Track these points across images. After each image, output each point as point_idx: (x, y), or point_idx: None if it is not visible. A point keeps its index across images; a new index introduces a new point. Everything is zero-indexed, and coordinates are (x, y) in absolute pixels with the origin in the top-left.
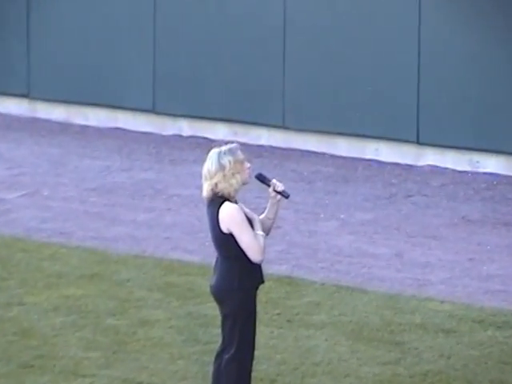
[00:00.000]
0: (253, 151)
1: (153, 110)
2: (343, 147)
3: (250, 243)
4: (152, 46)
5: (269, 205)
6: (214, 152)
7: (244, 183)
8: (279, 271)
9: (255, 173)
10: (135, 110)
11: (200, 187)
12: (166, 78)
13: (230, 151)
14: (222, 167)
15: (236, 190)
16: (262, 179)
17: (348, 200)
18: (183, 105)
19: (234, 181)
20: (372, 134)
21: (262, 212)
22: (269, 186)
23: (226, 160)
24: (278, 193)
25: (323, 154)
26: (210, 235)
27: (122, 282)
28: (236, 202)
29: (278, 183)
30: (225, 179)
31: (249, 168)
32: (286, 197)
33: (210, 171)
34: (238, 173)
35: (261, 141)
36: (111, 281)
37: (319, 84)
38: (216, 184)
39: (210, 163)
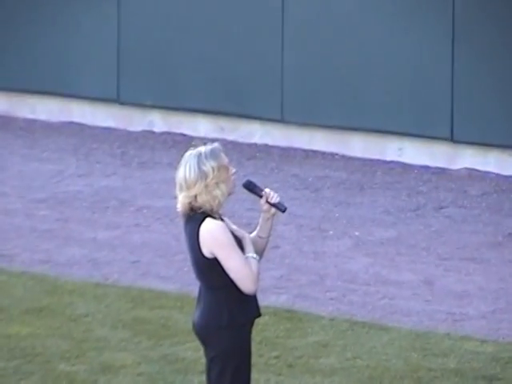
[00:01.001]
0: (243, 152)
1: (117, 100)
2: (358, 146)
3: (240, 270)
4: (116, 21)
5: (261, 220)
6: (191, 155)
7: (229, 194)
8: (277, 303)
9: (243, 180)
10: (95, 100)
11: (176, 197)
12: (133, 60)
13: (213, 154)
14: (203, 175)
15: (220, 204)
16: (252, 188)
17: (364, 213)
18: (155, 93)
19: (218, 192)
20: (394, 129)
21: (255, 229)
22: (260, 196)
23: (209, 166)
24: (272, 205)
25: (332, 154)
26: (189, 258)
27: (78, 318)
28: (221, 218)
29: (271, 193)
30: (207, 191)
31: (234, 174)
32: (283, 210)
33: (188, 180)
34: (223, 182)
35: (254, 138)
36: (65, 316)
37: (326, 67)
38: (195, 197)
39: (188, 170)
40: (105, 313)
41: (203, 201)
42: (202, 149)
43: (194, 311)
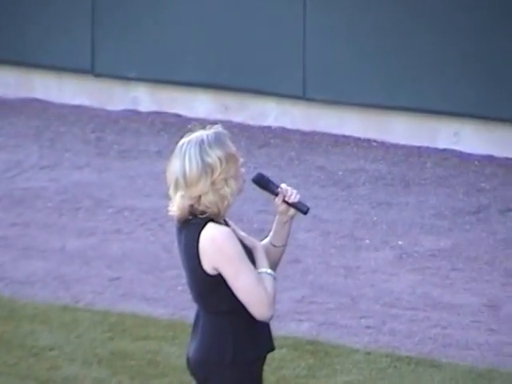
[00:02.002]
0: (254, 137)
1: (91, 71)
2: (401, 131)
3: (252, 290)
4: None
5: (275, 224)
6: (191, 143)
7: (239, 193)
8: (298, 332)
9: (253, 174)
10: (63, 70)
11: (167, 196)
12: (111, 20)
13: (218, 141)
14: (208, 169)
15: (229, 206)
16: (265, 184)
17: (409, 216)
18: (140, 63)
19: (227, 190)
20: (448, 109)
21: (266, 236)
22: (275, 194)
23: (215, 157)
24: (291, 205)
25: (369, 140)
26: (185, 275)
27: (41, 351)
28: (226, 223)
29: (289, 189)
30: (214, 189)
31: (242, 165)
32: (305, 212)
33: (189, 176)
34: (232, 177)
35: (267, 120)
36: (24, 349)
37: (361, 30)
38: (199, 198)
39: (188, 162)
40: (75, 345)
41: (209, 202)
42: (204, 134)
43: (189, 343)
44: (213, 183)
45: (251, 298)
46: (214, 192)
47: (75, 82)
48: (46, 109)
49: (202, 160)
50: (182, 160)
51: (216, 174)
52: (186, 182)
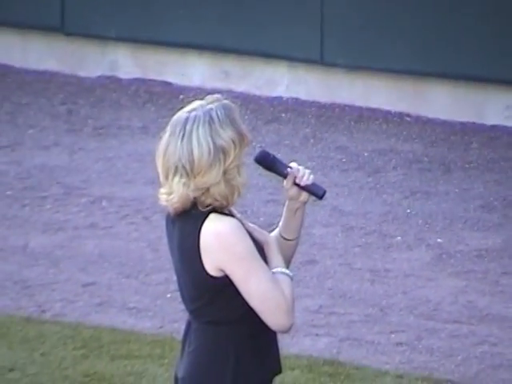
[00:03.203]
0: (261, 111)
1: (61, 29)
2: (440, 103)
3: (268, 294)
4: None
5: (285, 212)
6: (196, 121)
7: None
8: (314, 350)
9: (256, 151)
10: (27, 28)
11: (154, 182)
12: None
13: (229, 117)
14: (222, 155)
15: (240, 196)
16: (270, 163)
17: (451, 208)
18: (120, 20)
19: (240, 180)
20: (498, 76)
21: (273, 229)
22: (283, 175)
23: (228, 139)
24: (303, 188)
25: (401, 115)
26: (176, 279)
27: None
28: (230, 214)
29: (301, 169)
30: (226, 179)
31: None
32: (320, 196)
33: (198, 163)
34: (244, 163)
35: (277, 90)
36: None
37: None
38: (208, 189)
39: (197, 144)
40: (41, 365)
41: (220, 195)
42: (211, 108)
43: (178, 361)
44: (225, 172)
45: (267, 303)
46: (226, 182)
47: (41, 42)
48: (5, 75)
49: (214, 144)
50: (188, 142)
51: (229, 161)
52: (193, 170)
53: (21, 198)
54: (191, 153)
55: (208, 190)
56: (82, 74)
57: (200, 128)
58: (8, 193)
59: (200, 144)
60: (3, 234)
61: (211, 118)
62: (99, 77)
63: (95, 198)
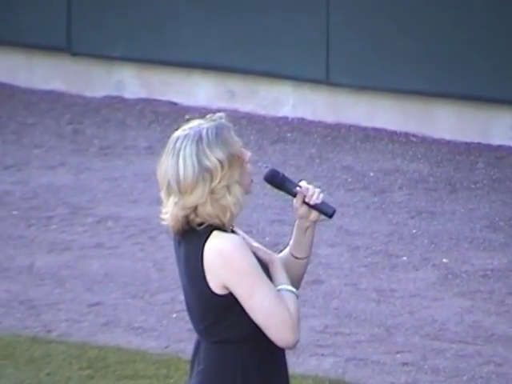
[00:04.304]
0: (266, 130)
1: (68, 49)
2: (446, 123)
3: (272, 311)
4: None
5: (295, 231)
6: (186, 139)
7: (246, 193)
8: (320, 370)
9: (266, 170)
10: (33, 48)
11: (159, 202)
12: None
13: (219, 137)
14: (207, 175)
15: (234, 216)
16: (280, 182)
17: (456, 228)
18: (126, 40)
19: (230, 199)
20: (503, 96)
21: (282, 248)
22: (293, 194)
23: (214, 159)
24: (313, 207)
25: (407, 135)
26: (183, 299)
27: None
28: (233, 231)
29: (310, 188)
30: (213, 199)
31: (249, 161)
32: (330, 214)
33: (182, 182)
34: (237, 182)
35: (283, 110)
36: None
37: (396, 1)
38: (195, 208)
39: (182, 165)
40: None
41: (208, 214)
42: (203, 129)
43: (187, 381)
44: (212, 192)
45: (271, 320)
46: (213, 202)
47: (48, 62)
48: (11, 95)
49: (199, 164)
50: (176, 160)
51: (216, 181)
52: (180, 188)
53: (27, 218)
54: (178, 171)
55: (196, 209)
56: (88, 93)
57: (188, 147)
58: (14, 212)
59: (185, 163)
60: (9, 254)
61: (200, 137)
62: (105, 97)
63: (101, 218)
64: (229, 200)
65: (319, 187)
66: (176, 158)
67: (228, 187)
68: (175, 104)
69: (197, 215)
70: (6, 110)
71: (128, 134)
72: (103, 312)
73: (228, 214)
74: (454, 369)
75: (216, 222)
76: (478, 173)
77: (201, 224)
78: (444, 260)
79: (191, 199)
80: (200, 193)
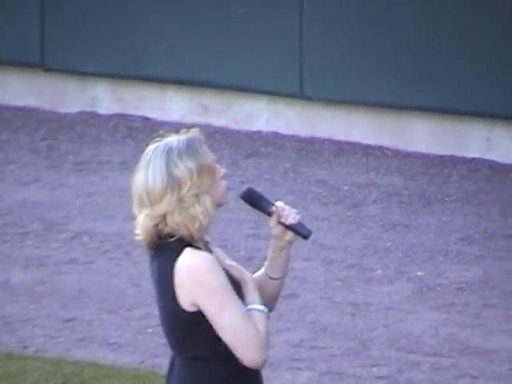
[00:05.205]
0: (240, 145)
1: (41, 65)
2: (420, 136)
3: (240, 330)
4: None
5: (271, 251)
6: (156, 151)
7: (219, 205)
8: (296, 383)
9: (242, 188)
10: (6, 64)
11: (134, 218)
12: (63, 4)
13: (190, 149)
14: (175, 184)
15: (203, 227)
16: (256, 200)
17: (431, 241)
18: (100, 55)
19: (198, 209)
20: (478, 109)
21: (260, 267)
22: (269, 213)
23: (183, 168)
24: (288, 227)
25: (381, 148)
26: (157, 314)
27: None
28: (207, 248)
29: (286, 208)
30: (181, 207)
31: (224, 177)
32: (305, 236)
33: (152, 191)
34: (207, 192)
35: (257, 124)
36: None
37: (368, 14)
38: (164, 217)
39: (151, 175)
40: None
41: (176, 223)
42: (174, 140)
43: None
44: (180, 200)
45: (238, 339)
46: (181, 211)
47: (21, 78)
48: None
49: (168, 172)
50: (146, 171)
51: (184, 190)
52: (150, 199)
53: (1, 234)
54: (147, 182)
55: (165, 218)
56: (62, 109)
57: (158, 157)
58: None
59: (155, 173)
60: None
61: (170, 148)
62: (79, 112)
63: (76, 234)
64: (197, 209)
65: (293, 201)
66: (146, 170)
67: (197, 196)
68: (149, 119)
69: (166, 224)
70: None
71: (102, 149)
72: (79, 328)
73: (196, 224)
74: (430, 382)
75: (185, 232)
76: (452, 186)
77: (171, 235)
78: (419, 273)
79: (160, 208)
80: (167, 201)
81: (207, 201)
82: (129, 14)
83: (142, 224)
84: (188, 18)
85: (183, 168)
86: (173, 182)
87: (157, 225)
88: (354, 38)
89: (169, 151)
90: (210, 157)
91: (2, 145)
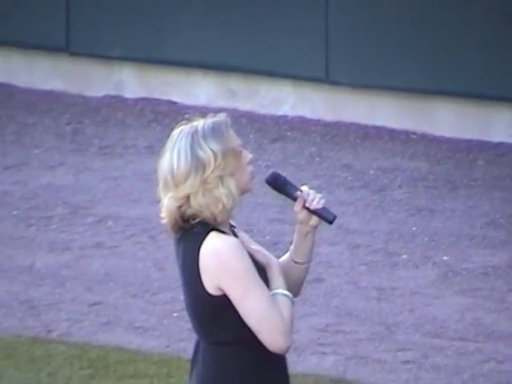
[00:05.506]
0: (266, 129)
1: (66, 49)
2: (445, 121)
3: (264, 315)
4: None
5: (296, 236)
6: (181, 134)
7: (244, 192)
8: (321, 368)
9: (268, 172)
10: (32, 48)
11: (160, 202)
12: None
13: (215, 132)
14: (199, 165)
15: (227, 210)
16: (281, 185)
17: (457, 226)
18: (126, 39)
19: (222, 191)
20: (503, 94)
21: (285, 251)
22: (294, 198)
23: (208, 150)
24: (313, 212)
25: (407, 133)
26: (182, 298)
27: None
28: (233, 233)
29: (311, 193)
30: (205, 189)
31: (250, 162)
32: (331, 221)
33: (176, 173)
34: (232, 175)
35: (282, 109)
36: None
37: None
38: (188, 198)
39: (176, 157)
40: None
41: (200, 205)
42: (200, 123)
43: (188, 382)
44: (204, 181)
45: (263, 324)
46: (205, 192)
47: (47, 62)
48: (10, 95)
49: (193, 153)
50: (171, 154)
51: (208, 171)
52: (174, 180)
53: (27, 218)
54: (172, 163)
55: (188, 199)
56: (88, 93)
57: (183, 139)
58: (14, 213)
59: (179, 154)
60: (9, 254)
61: (196, 130)
62: (104, 96)
63: (101, 218)
64: (221, 191)
65: (319, 186)
66: (171, 152)
67: (221, 178)
68: (175, 103)
69: (189, 206)
70: (5, 110)
71: (128, 133)
72: (104, 312)
73: (220, 206)
74: (455, 366)
75: (208, 215)
76: (477, 170)
77: (194, 217)
78: (444, 258)
79: (184, 189)
80: (191, 182)
81: (231, 183)
82: (159, 1)
83: (166, 206)
84: (214, 2)
85: (208, 149)
86: (197, 163)
87: (180, 206)
88: (379, 22)
89: (194, 133)
90: (236, 141)
91: (27, 129)
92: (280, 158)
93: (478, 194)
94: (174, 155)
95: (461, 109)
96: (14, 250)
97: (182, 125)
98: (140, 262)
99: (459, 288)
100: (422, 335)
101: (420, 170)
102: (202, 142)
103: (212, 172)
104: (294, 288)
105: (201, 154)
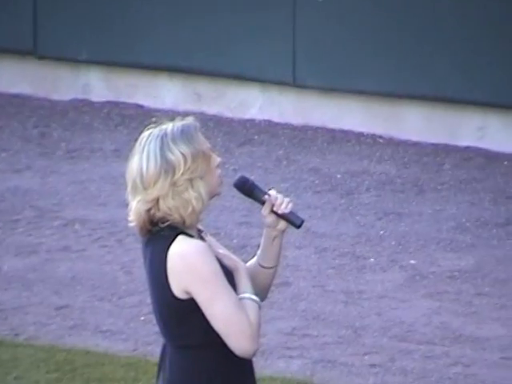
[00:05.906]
0: (234, 133)
1: (33, 52)
2: (414, 124)
3: (231, 318)
4: None
5: (263, 240)
6: (151, 137)
7: (213, 196)
8: (288, 372)
9: (235, 176)
10: None
11: (127, 205)
12: None
13: (185, 135)
14: (169, 168)
15: (196, 213)
16: (249, 189)
17: (424, 229)
18: (92, 42)
19: (192, 194)
20: (471, 97)
21: (253, 255)
22: (262, 202)
23: (178, 153)
24: (281, 216)
25: (373, 136)
26: (149, 302)
27: None
28: (200, 237)
29: (279, 197)
30: (175, 191)
31: (219, 166)
32: (298, 225)
33: (146, 176)
34: (202, 178)
35: (250, 112)
36: None
37: (362, 1)
38: (157, 201)
39: (145, 159)
40: None
41: (169, 207)
42: (169, 126)
43: None
44: (174, 184)
45: (230, 328)
46: (174, 195)
47: (14, 65)
48: None
49: (162, 156)
50: (139, 157)
51: (178, 174)
52: (144, 183)
53: None
54: (141, 166)
55: (157, 202)
56: (55, 97)
57: (152, 143)
58: None
59: (148, 157)
60: None
61: (165, 133)
62: (72, 100)
63: (68, 221)
64: (191, 194)
65: (286, 189)
66: (140, 155)
67: (191, 181)
68: (142, 107)
69: (158, 209)
70: None
71: (95, 136)
72: (71, 315)
73: (189, 209)
74: (422, 370)
75: (177, 218)
76: (444, 174)
77: (163, 220)
78: (411, 261)
79: (153, 192)
80: (161, 185)
81: (201, 186)
82: (122, 1)
83: (134, 209)
84: (181, 5)
85: (177, 152)
86: (167, 166)
87: (149, 209)
88: (347, 26)
89: (163, 136)
90: (205, 144)
91: None
92: (247, 162)
93: (444, 198)
94: (143, 158)
95: (428, 112)
96: None
97: (150, 128)
98: (107, 265)
99: (426, 292)
100: (389, 339)
101: (387, 173)
102: (171, 144)
103: (182, 175)
104: (262, 292)
105: (170, 156)
